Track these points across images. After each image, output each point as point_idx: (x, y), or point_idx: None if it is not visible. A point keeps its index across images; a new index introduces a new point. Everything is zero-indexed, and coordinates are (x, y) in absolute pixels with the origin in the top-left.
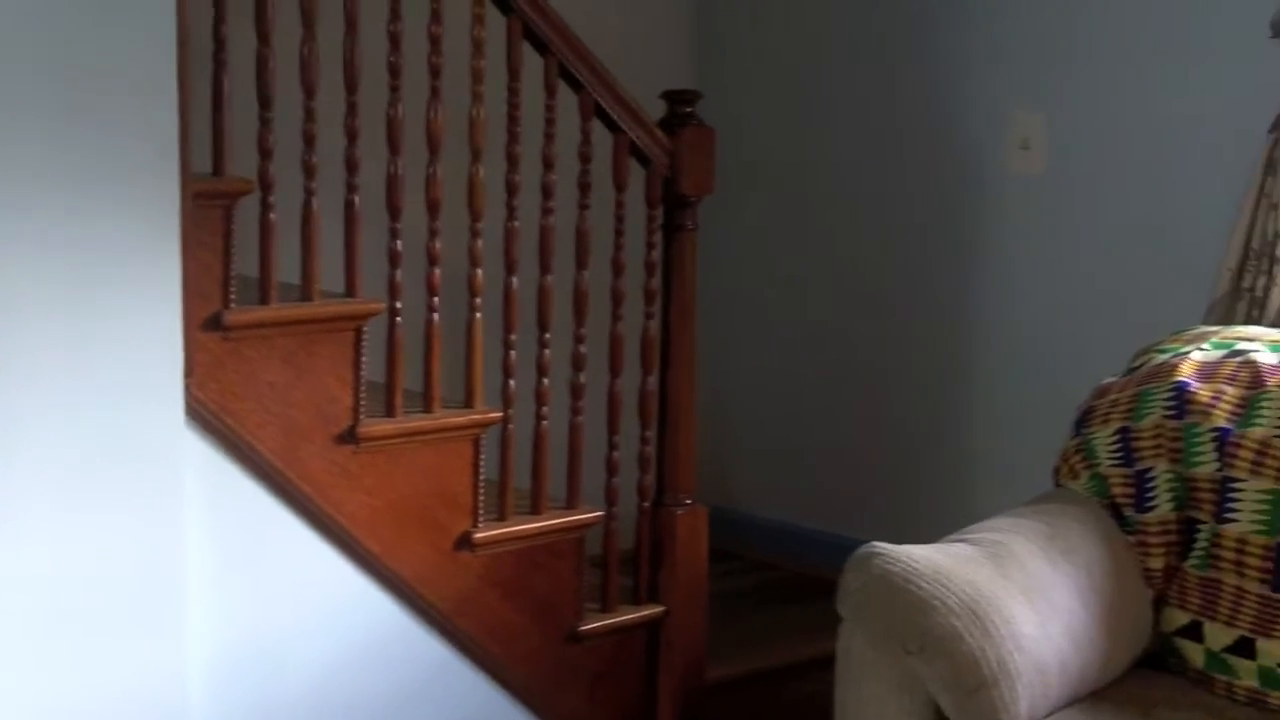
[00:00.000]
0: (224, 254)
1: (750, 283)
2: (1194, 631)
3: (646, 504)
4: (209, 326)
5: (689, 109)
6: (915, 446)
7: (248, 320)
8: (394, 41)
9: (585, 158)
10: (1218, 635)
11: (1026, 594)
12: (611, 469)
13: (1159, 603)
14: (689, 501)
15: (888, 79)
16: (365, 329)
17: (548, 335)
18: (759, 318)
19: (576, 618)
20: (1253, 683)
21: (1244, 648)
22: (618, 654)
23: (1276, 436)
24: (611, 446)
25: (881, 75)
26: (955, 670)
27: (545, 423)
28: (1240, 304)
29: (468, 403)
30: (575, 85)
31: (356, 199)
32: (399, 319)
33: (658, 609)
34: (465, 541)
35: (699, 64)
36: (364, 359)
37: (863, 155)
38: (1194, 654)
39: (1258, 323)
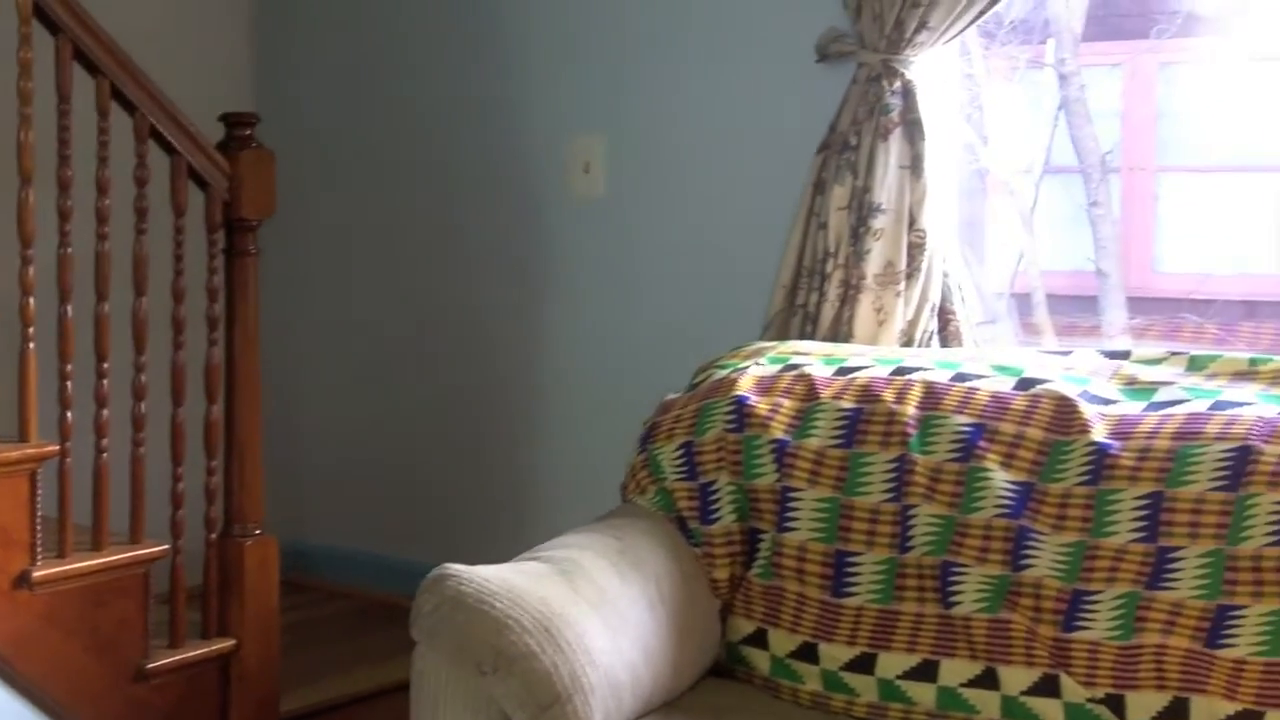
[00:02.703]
0: None
1: (318, 307)
2: (759, 639)
3: (214, 536)
4: None
5: (248, 131)
6: (488, 468)
7: None
8: None
9: (141, 181)
10: (782, 641)
11: (598, 608)
12: (176, 501)
13: (726, 612)
14: (258, 532)
15: (451, 102)
16: None
17: (106, 365)
18: (328, 342)
19: (143, 655)
20: (816, 686)
21: (807, 653)
22: (188, 691)
23: (831, 446)
24: (176, 478)
25: (444, 99)
26: (529, 687)
27: (105, 455)
28: (795, 320)
29: (22, 436)
30: (129, 108)
31: None
32: None
33: (228, 643)
34: (24, 580)
35: (260, 87)
36: None
37: (427, 177)
38: (760, 661)
39: (811, 337)
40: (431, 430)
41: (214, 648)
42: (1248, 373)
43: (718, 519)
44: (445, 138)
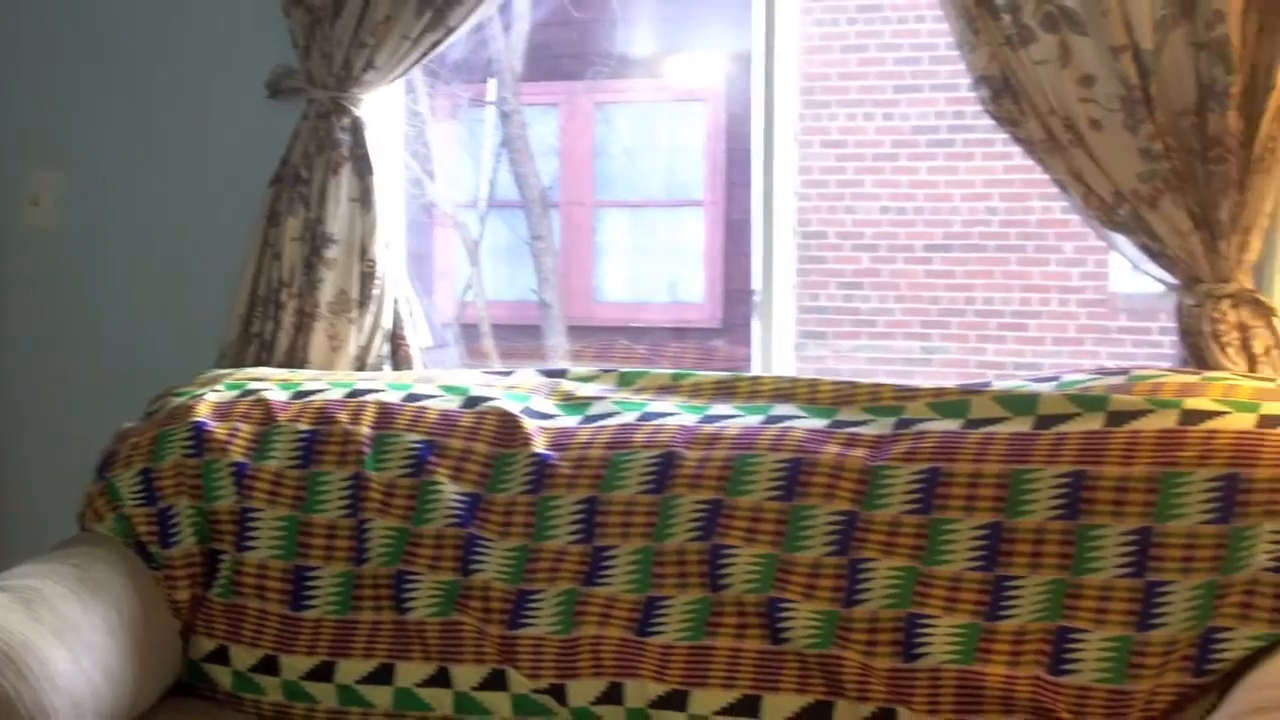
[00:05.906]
0: None
1: None
2: (221, 656)
3: None
4: None
5: None
6: None
7: None
8: None
9: None
10: (243, 656)
11: (59, 634)
12: None
13: (189, 632)
14: None
15: None
16: None
17: None
18: None
19: None
20: (278, 697)
21: (268, 665)
22: None
23: (289, 467)
24: None
25: None
26: None
27: None
28: (250, 348)
29: None
30: None
31: None
32: None
33: None
34: None
35: None
36: None
37: None
38: (222, 677)
39: (267, 364)
40: None
41: None
42: (670, 387)
43: (177, 542)
44: None
